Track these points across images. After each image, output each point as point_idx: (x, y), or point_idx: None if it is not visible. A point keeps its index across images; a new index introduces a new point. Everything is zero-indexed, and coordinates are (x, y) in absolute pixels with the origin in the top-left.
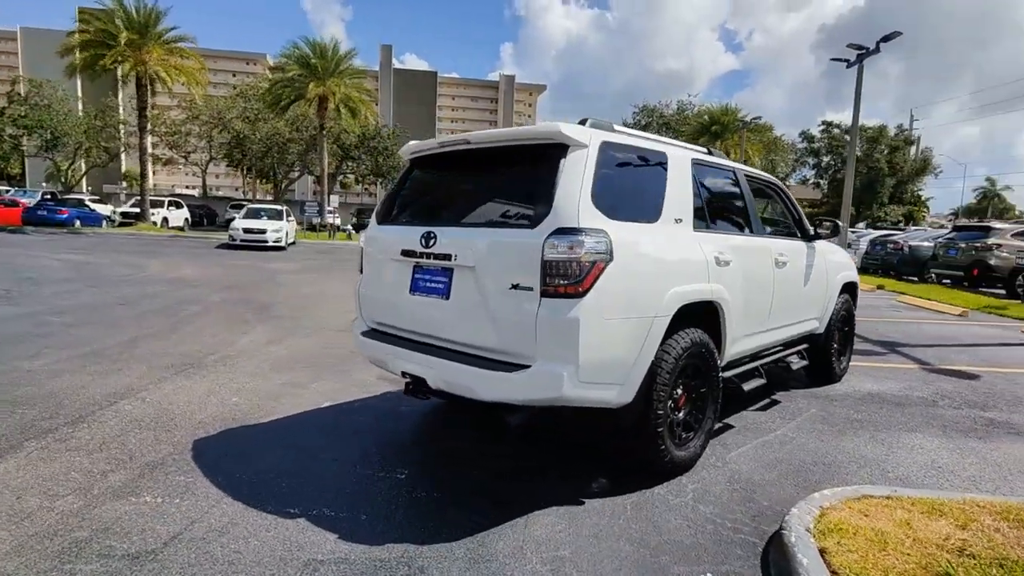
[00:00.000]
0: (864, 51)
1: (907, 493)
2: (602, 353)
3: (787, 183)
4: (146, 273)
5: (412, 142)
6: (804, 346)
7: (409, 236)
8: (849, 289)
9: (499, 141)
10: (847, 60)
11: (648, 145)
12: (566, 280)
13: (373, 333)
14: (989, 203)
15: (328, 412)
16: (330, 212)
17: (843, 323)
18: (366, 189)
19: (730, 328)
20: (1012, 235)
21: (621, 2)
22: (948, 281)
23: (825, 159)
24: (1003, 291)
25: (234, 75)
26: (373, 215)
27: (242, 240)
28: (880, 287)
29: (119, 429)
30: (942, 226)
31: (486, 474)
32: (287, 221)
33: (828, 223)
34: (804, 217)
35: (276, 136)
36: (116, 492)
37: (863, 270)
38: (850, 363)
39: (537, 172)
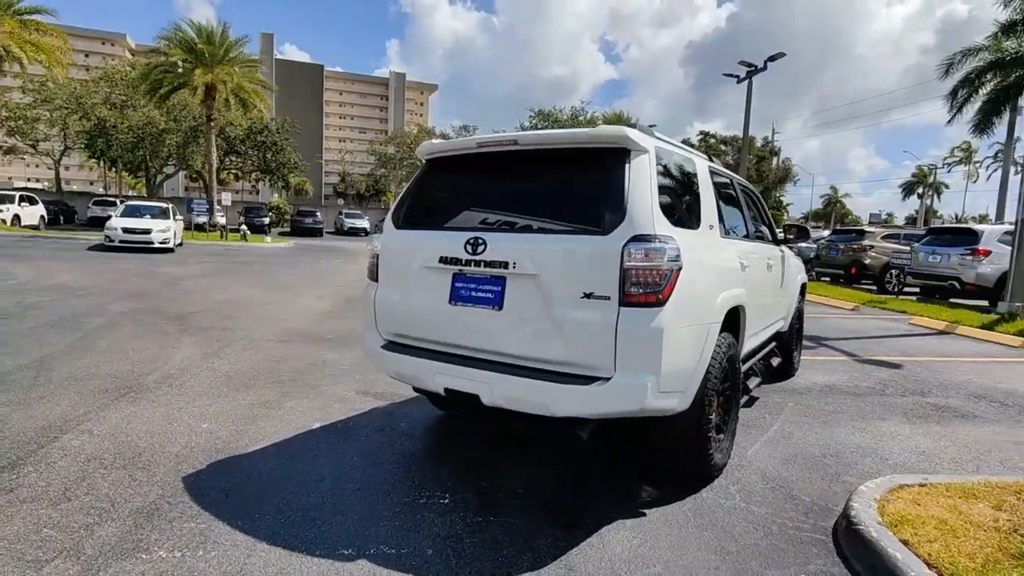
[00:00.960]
0: (753, 68)
1: (933, 480)
2: (677, 362)
3: None
4: (16, 281)
5: (433, 141)
6: (774, 344)
7: (448, 242)
8: (803, 290)
9: (552, 143)
10: (737, 76)
11: (681, 152)
12: (647, 288)
13: (397, 347)
14: (833, 208)
15: (322, 435)
16: (219, 211)
17: (798, 321)
18: (254, 187)
19: (746, 330)
20: (882, 237)
21: (507, 7)
22: (828, 279)
23: None
24: (874, 287)
25: (87, 55)
26: (388, 219)
27: (122, 241)
28: None
29: (78, 471)
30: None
31: (526, 489)
32: (174, 220)
33: (795, 228)
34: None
35: (149, 126)
36: (117, 549)
37: None
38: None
39: (600, 176)
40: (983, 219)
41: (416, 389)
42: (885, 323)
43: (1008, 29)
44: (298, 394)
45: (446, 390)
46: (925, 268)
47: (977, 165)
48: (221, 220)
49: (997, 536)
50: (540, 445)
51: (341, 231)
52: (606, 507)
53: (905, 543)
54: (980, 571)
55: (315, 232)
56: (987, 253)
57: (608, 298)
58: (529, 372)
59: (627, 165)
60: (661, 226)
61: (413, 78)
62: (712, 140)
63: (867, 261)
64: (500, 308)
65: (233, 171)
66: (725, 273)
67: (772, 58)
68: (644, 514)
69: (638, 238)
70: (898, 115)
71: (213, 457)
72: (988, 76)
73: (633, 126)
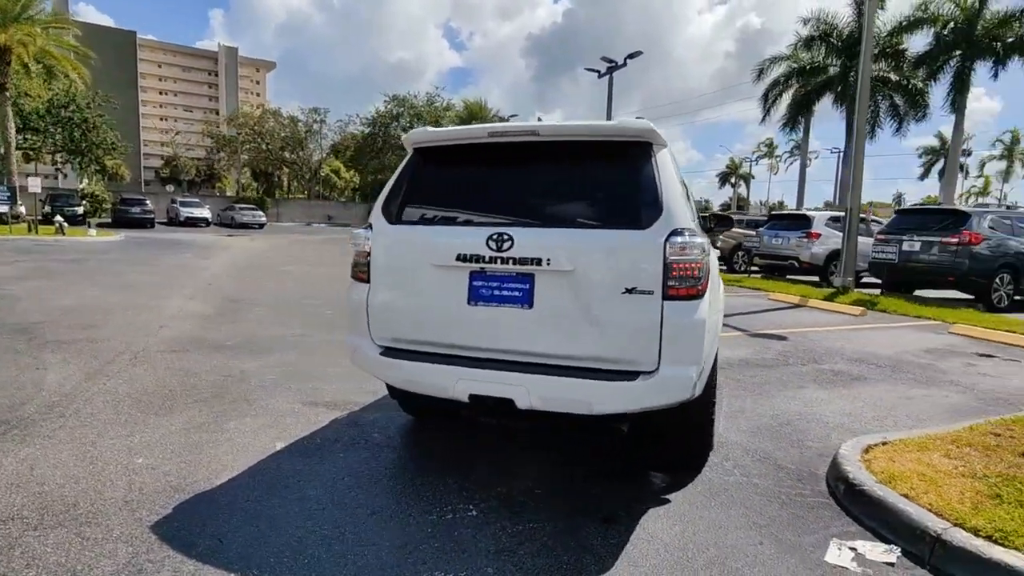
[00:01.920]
0: (614, 64)
1: (890, 438)
2: (710, 351)
3: None
4: None
5: (427, 128)
6: None
7: (465, 239)
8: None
9: (574, 135)
10: (598, 71)
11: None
12: (688, 282)
13: (401, 353)
14: None
15: (292, 456)
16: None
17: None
18: (58, 170)
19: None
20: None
21: None
22: None
23: None
24: (725, 267)
25: None
26: (378, 213)
27: None
28: None
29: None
30: None
31: (543, 488)
32: None
33: (717, 217)
34: None
35: None
36: None
37: None
38: None
39: (629, 170)
40: (780, 206)
41: (401, 397)
42: (750, 300)
43: (808, 43)
44: (234, 413)
45: (471, 396)
46: (770, 249)
47: (777, 159)
48: (22, 210)
49: (970, 482)
50: (529, 442)
51: (176, 221)
52: (629, 497)
53: (907, 497)
54: (974, 512)
55: (145, 223)
56: (818, 236)
57: (651, 292)
58: (565, 371)
59: (654, 159)
60: (691, 220)
61: (246, 53)
62: None
63: (719, 244)
64: (530, 307)
65: (29, 151)
66: (715, 261)
67: (632, 56)
68: (668, 500)
69: (677, 232)
70: (709, 113)
71: (174, 498)
72: (792, 81)
73: (505, 119)
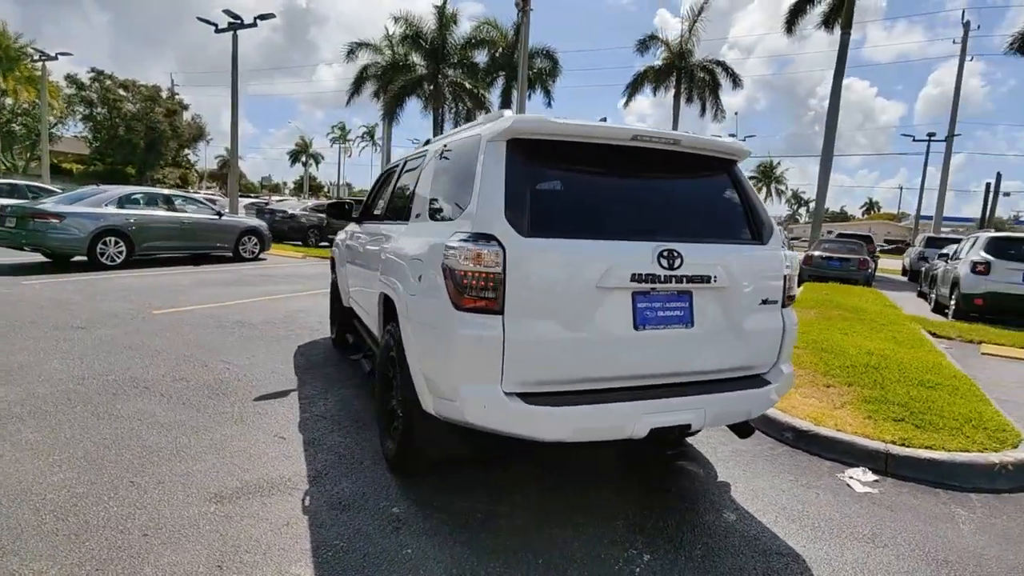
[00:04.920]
0: (239, 22)
1: None
2: None
3: (58, 135)
4: None
5: (542, 118)
6: None
7: (631, 255)
8: None
9: (705, 148)
10: (215, 24)
11: None
12: (793, 291)
13: (554, 398)
14: (229, 170)
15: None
16: None
17: None
18: None
19: None
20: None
21: None
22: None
23: (100, 111)
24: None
25: None
26: (501, 222)
27: None
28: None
29: None
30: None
31: (608, 501)
32: None
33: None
34: None
35: None
36: None
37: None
38: None
39: (738, 186)
40: (350, 190)
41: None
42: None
43: (404, 41)
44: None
45: (652, 430)
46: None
47: (351, 143)
48: None
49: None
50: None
51: None
52: (706, 484)
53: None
54: (878, 432)
55: None
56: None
57: (776, 302)
58: (725, 385)
59: (742, 174)
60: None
61: None
62: (109, 83)
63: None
64: (691, 325)
65: None
66: None
67: (262, 16)
68: (730, 491)
69: (781, 245)
70: (259, 88)
71: None
72: (390, 75)
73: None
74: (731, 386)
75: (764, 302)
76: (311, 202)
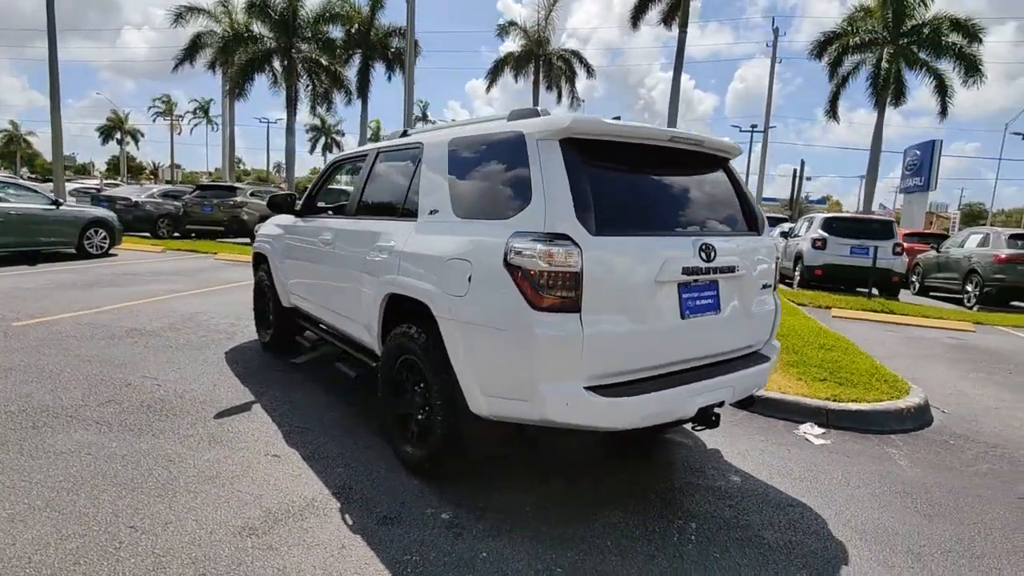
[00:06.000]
0: None
1: None
2: None
3: None
4: None
5: (595, 118)
6: None
7: (680, 250)
8: None
9: (718, 149)
10: None
11: None
12: (781, 275)
13: (619, 388)
14: (18, 147)
15: None
16: None
17: None
18: None
19: None
20: (251, 193)
21: None
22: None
23: None
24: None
25: None
26: (572, 221)
27: None
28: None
29: None
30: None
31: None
32: None
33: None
34: None
35: None
36: None
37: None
38: None
39: (735, 181)
40: (181, 172)
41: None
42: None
43: (249, 8)
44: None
45: (699, 410)
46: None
47: (180, 119)
48: None
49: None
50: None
51: None
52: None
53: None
54: (813, 391)
55: None
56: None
57: (771, 286)
58: (743, 362)
59: (736, 170)
60: None
61: None
62: None
63: (244, 217)
64: (719, 311)
65: None
66: None
67: None
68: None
69: (770, 236)
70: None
71: None
72: (233, 47)
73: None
74: (745, 363)
75: (764, 287)
76: (157, 187)
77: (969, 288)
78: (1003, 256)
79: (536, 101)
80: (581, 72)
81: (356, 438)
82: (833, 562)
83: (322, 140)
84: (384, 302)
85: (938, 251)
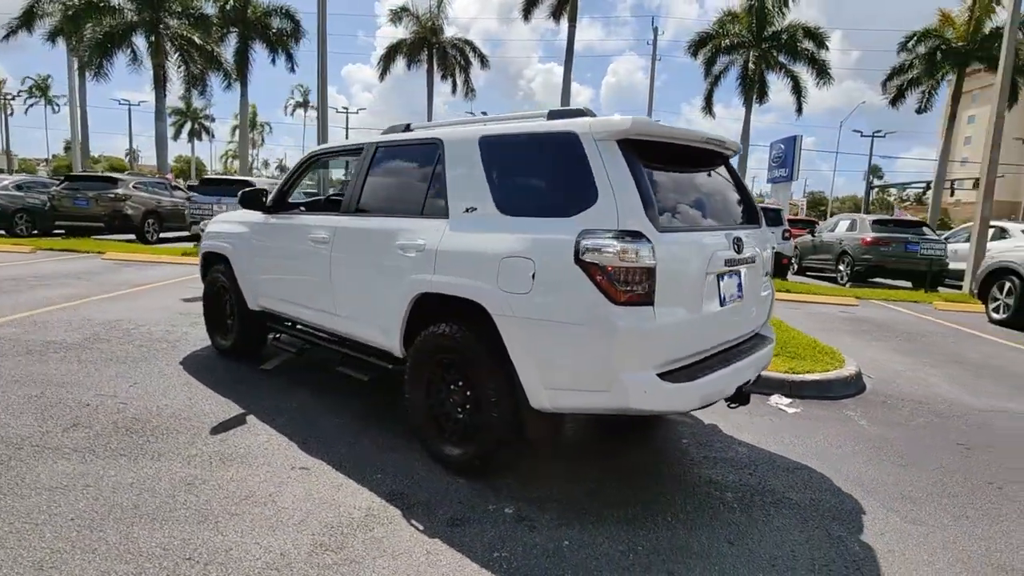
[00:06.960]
0: None
1: None
2: None
3: None
4: None
5: (649, 120)
6: None
7: (721, 243)
8: None
9: (731, 148)
10: None
11: None
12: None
13: (678, 374)
14: None
15: None
16: None
17: None
18: None
19: None
20: (134, 185)
21: None
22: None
23: None
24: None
25: None
26: (642, 221)
27: None
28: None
29: None
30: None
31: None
32: None
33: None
34: None
35: None
36: None
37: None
38: None
39: (728, 175)
40: (14, 160)
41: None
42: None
43: None
44: None
45: (736, 389)
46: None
47: (11, 98)
48: None
49: None
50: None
51: None
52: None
53: None
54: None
55: None
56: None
57: (769, 273)
58: (752, 344)
59: (733, 167)
60: None
61: None
62: None
63: (128, 211)
64: (743, 298)
65: None
66: None
67: None
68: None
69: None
70: None
71: None
72: (77, 15)
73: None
74: (757, 345)
75: (767, 274)
76: (9, 179)
77: (841, 267)
78: (868, 239)
79: (431, 90)
80: (475, 62)
81: (375, 442)
82: (854, 513)
83: (188, 125)
84: (412, 302)
85: (813, 235)
